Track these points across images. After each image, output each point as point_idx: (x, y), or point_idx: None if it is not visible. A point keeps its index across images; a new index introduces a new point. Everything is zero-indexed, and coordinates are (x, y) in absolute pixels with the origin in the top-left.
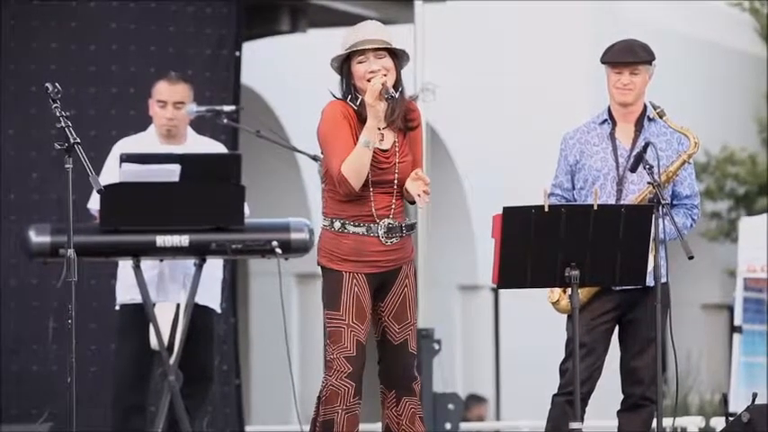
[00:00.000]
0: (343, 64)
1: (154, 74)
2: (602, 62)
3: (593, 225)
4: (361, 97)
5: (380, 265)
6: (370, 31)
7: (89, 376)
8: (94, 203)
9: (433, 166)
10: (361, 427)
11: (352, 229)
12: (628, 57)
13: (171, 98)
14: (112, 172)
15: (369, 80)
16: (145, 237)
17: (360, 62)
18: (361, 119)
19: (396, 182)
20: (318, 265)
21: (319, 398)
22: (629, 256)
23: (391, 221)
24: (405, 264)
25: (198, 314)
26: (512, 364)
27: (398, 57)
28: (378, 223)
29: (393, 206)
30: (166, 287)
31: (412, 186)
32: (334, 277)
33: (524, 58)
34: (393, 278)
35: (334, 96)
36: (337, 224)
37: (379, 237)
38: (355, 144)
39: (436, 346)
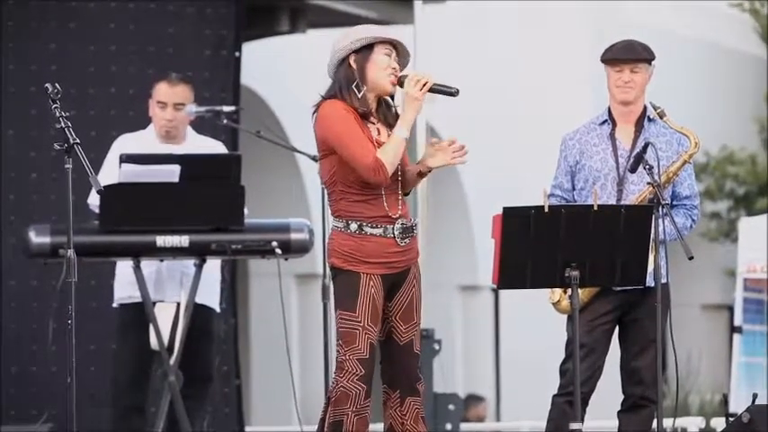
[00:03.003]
0: (350, 55)
1: (153, 74)
2: (603, 61)
3: (593, 225)
4: (363, 90)
5: (395, 266)
6: (389, 31)
7: (89, 376)
8: (94, 199)
9: None
10: None
11: (370, 230)
12: (628, 54)
13: (171, 100)
14: (113, 166)
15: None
16: (145, 237)
17: (387, 54)
18: (359, 113)
19: (398, 175)
20: (331, 266)
21: (329, 398)
22: (629, 257)
23: (404, 222)
24: (413, 264)
25: (197, 313)
26: (512, 364)
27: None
28: (393, 224)
29: (400, 204)
30: (164, 285)
31: (435, 160)
32: (351, 279)
33: (524, 58)
34: (403, 278)
35: (323, 97)
36: (354, 226)
37: (395, 237)
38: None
39: (436, 347)
